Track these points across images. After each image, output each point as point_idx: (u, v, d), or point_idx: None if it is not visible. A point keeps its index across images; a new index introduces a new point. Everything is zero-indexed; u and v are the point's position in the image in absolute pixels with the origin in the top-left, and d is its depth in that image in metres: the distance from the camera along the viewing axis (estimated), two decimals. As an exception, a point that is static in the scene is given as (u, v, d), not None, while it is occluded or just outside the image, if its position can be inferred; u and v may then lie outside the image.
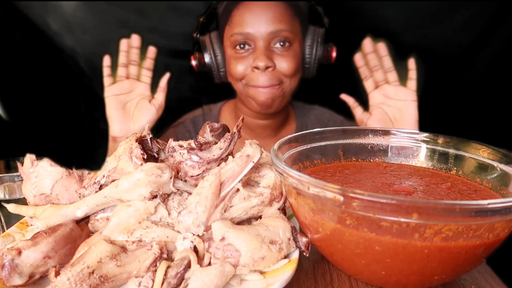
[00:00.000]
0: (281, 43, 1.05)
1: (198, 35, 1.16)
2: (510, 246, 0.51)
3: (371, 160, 0.66)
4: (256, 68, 1.05)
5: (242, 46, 1.07)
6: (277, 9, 1.04)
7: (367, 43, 1.02)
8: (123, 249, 0.47)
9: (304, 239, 0.51)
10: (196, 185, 0.53)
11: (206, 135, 0.58)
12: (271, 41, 1.05)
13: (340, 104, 1.40)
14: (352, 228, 0.45)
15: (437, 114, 1.56)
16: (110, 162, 0.56)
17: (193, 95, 1.50)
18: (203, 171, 0.54)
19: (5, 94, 1.48)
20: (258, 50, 1.05)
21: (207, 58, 1.14)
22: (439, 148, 0.63)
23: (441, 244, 0.42)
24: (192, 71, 1.17)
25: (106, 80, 1.03)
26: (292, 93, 1.14)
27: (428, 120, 1.53)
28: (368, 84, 1.04)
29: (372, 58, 1.02)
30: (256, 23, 1.04)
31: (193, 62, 1.16)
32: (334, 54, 1.14)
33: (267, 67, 1.04)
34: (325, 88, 1.30)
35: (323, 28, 1.14)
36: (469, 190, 0.55)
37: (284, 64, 1.06)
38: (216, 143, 0.57)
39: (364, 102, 1.58)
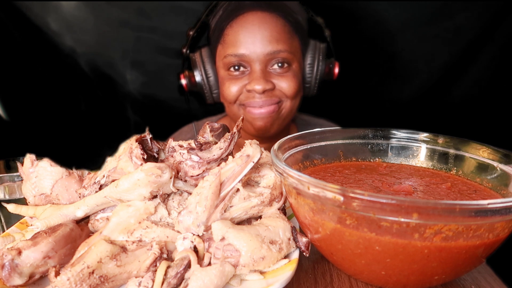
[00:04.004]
0: (279, 64, 0.97)
1: (188, 51, 1.05)
2: (510, 246, 0.51)
3: (371, 160, 0.66)
4: (253, 90, 0.96)
5: (236, 68, 0.98)
6: (274, 27, 0.95)
7: None
8: (123, 249, 0.47)
9: (304, 239, 0.51)
10: (196, 185, 0.53)
11: (206, 135, 0.58)
12: (268, 63, 0.96)
13: (346, 109, 1.40)
14: (352, 228, 0.45)
15: (437, 114, 1.56)
16: (110, 162, 0.56)
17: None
18: (203, 171, 0.54)
19: (5, 94, 1.48)
20: (254, 73, 0.96)
21: (198, 78, 1.04)
22: (439, 148, 0.63)
23: (441, 244, 0.42)
24: (182, 90, 1.07)
25: None
26: (293, 115, 1.06)
27: (428, 120, 1.53)
28: None
29: None
30: (251, 44, 0.94)
31: (183, 81, 1.05)
32: (336, 71, 1.06)
33: (264, 91, 0.96)
34: (331, 91, 1.28)
35: (325, 43, 1.05)
36: (469, 190, 0.55)
37: (285, 85, 0.97)
38: (216, 143, 0.57)
39: (368, 106, 1.59)
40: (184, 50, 1.06)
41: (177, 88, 1.09)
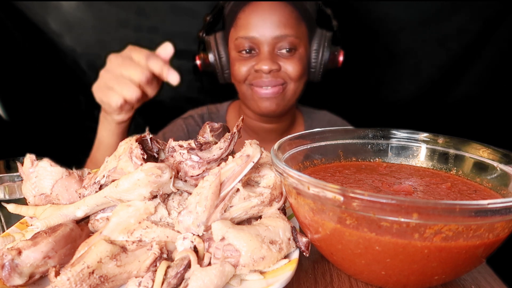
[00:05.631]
0: (287, 49, 1.04)
1: (204, 35, 1.15)
2: (510, 246, 0.51)
3: (371, 160, 0.66)
4: (260, 70, 1.04)
5: (247, 50, 1.06)
6: (282, 13, 1.03)
7: None
8: (123, 249, 0.47)
9: (304, 239, 0.51)
10: (196, 185, 0.53)
11: (206, 135, 0.58)
12: (275, 45, 1.04)
13: (347, 108, 1.41)
14: (352, 228, 0.45)
15: (437, 114, 1.56)
16: (110, 162, 0.56)
17: (193, 95, 1.50)
18: (203, 171, 0.54)
19: (5, 94, 1.48)
20: (262, 54, 1.04)
21: (211, 59, 1.13)
22: (439, 148, 0.63)
23: (441, 244, 0.42)
24: (196, 70, 1.17)
25: None
26: (297, 98, 1.13)
27: (428, 120, 1.53)
28: None
29: None
30: (261, 27, 1.02)
31: (198, 62, 1.15)
32: (341, 58, 1.13)
33: (270, 71, 1.03)
34: (330, 91, 1.30)
35: (331, 32, 1.12)
36: (469, 190, 0.55)
37: (290, 67, 1.05)
38: (216, 143, 0.57)
39: (369, 106, 1.59)
40: (201, 34, 1.15)
41: (192, 69, 1.17)
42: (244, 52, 1.06)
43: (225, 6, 1.12)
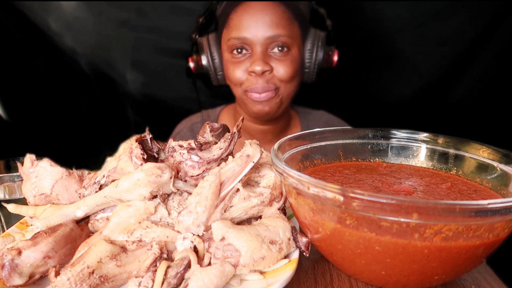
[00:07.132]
0: (279, 48, 1.03)
1: (197, 36, 1.14)
2: (510, 246, 0.51)
3: (371, 160, 0.66)
4: (253, 72, 1.03)
5: (239, 50, 1.05)
6: (274, 13, 1.02)
7: None
8: (123, 249, 0.47)
9: (304, 239, 0.51)
10: (196, 185, 0.53)
11: (206, 135, 0.58)
12: (268, 46, 1.03)
13: (346, 109, 1.41)
14: (352, 228, 0.45)
15: (437, 114, 1.56)
16: (110, 162, 0.56)
17: (192, 95, 1.50)
18: (203, 171, 0.54)
19: (5, 94, 1.48)
20: (255, 55, 1.03)
21: (204, 61, 1.12)
22: (439, 148, 0.63)
23: (441, 244, 0.42)
24: (190, 73, 1.16)
25: None
26: (291, 98, 1.12)
27: (428, 120, 1.53)
28: None
29: None
30: (253, 28, 1.02)
31: (191, 64, 1.14)
32: (335, 58, 1.12)
33: (264, 71, 1.03)
34: (328, 92, 1.29)
35: (325, 31, 1.11)
36: (469, 190, 0.55)
37: (281, 69, 1.04)
38: (216, 143, 0.57)
39: (368, 106, 1.59)
40: (193, 36, 1.15)
41: (184, 71, 1.16)
42: (236, 52, 1.05)
43: (217, 7, 1.11)
